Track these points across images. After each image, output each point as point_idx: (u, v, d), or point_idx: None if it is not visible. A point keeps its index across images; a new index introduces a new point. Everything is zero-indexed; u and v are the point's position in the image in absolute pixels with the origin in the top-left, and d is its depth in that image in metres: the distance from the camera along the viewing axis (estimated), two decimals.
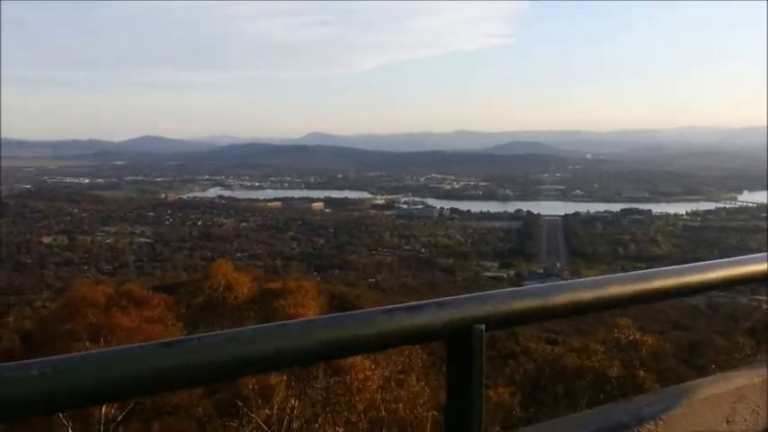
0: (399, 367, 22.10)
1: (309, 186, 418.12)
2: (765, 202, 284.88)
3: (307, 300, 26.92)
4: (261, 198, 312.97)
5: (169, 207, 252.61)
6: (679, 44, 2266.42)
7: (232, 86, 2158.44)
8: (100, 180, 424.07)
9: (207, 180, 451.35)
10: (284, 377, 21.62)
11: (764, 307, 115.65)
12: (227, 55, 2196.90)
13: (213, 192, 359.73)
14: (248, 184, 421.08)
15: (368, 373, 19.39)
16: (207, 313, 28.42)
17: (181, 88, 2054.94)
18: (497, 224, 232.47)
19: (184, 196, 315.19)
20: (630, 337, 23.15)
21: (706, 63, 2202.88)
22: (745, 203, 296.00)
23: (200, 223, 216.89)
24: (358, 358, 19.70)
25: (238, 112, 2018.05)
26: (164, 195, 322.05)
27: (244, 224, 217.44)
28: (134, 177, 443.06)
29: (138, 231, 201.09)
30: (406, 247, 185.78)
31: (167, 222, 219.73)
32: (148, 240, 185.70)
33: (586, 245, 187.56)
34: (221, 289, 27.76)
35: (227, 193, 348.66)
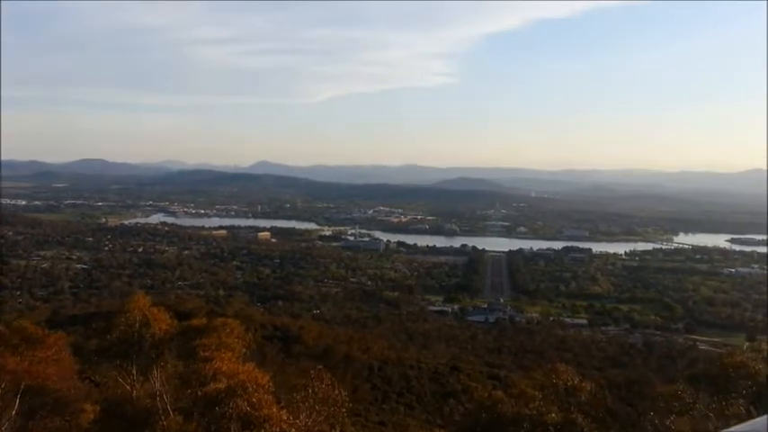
0: (322, 417, 20.86)
1: (256, 215, 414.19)
2: (699, 244, 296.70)
3: (231, 339, 25.27)
4: (206, 226, 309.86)
5: (109, 232, 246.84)
6: (618, 87, 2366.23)
7: (182, 111, 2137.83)
8: (37, 202, 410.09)
9: (150, 206, 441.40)
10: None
11: (700, 347, 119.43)
12: (177, 79, 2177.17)
13: (156, 218, 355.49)
14: (193, 211, 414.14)
15: (284, 426, 18.42)
16: (119, 351, 26.41)
17: (128, 110, 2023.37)
18: (443, 258, 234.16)
19: (126, 222, 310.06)
20: (569, 383, 22.83)
21: (645, 109, 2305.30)
22: (681, 245, 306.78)
23: (141, 250, 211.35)
24: (273, 409, 18.90)
25: (188, 137, 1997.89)
26: (104, 220, 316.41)
27: (187, 252, 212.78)
28: (74, 201, 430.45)
29: (75, 257, 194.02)
30: (351, 280, 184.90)
31: (107, 248, 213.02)
32: (86, 266, 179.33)
33: (529, 281, 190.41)
34: (137, 325, 26.04)
35: (170, 219, 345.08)
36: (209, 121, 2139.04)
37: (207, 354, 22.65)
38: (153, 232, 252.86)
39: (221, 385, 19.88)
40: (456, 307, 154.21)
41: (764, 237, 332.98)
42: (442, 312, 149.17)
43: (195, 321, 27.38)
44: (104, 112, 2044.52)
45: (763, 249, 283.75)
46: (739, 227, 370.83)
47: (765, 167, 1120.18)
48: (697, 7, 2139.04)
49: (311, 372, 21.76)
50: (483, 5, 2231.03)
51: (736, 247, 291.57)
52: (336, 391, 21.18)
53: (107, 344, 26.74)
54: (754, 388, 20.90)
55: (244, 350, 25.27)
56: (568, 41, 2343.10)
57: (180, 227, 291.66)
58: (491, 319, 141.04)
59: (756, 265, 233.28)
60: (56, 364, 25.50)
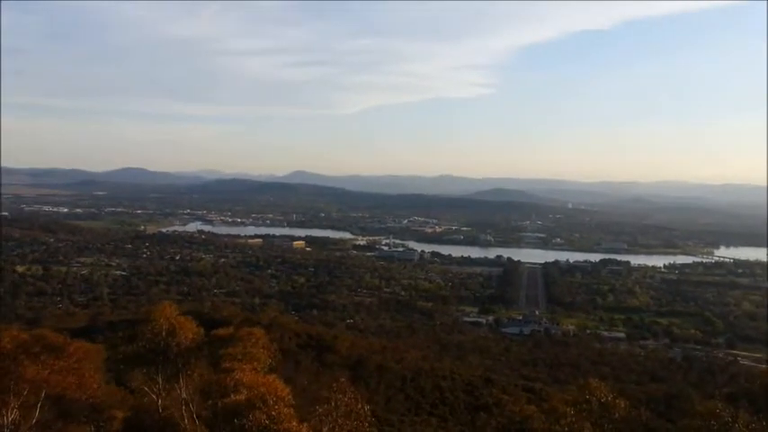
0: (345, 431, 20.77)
1: (291, 224, 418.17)
2: (741, 257, 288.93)
3: (256, 348, 25.18)
4: (242, 234, 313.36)
5: (147, 240, 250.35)
6: (659, 99, 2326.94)
7: (221, 121, 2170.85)
8: (78, 210, 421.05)
9: (188, 214, 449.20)
10: None
11: (741, 362, 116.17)
12: (217, 90, 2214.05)
13: (193, 226, 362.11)
14: (230, 219, 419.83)
15: None
16: (146, 359, 26.39)
17: (168, 120, 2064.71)
18: (478, 269, 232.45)
19: (164, 230, 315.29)
20: (602, 400, 22.07)
21: (686, 120, 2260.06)
22: (721, 258, 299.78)
23: (178, 257, 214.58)
24: (293, 423, 18.95)
25: (225, 147, 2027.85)
26: (143, 228, 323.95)
27: (223, 260, 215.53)
28: (114, 209, 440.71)
29: (114, 263, 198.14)
30: (385, 289, 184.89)
31: (145, 255, 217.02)
32: (124, 273, 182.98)
33: (565, 293, 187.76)
34: (164, 334, 25.75)
35: (207, 228, 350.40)
36: (246, 131, 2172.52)
37: (228, 365, 22.65)
38: (190, 240, 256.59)
39: (241, 397, 19.91)
40: (491, 318, 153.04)
41: None
42: (476, 323, 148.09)
43: (221, 331, 27.35)
44: (145, 122, 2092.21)
45: None
46: None
47: None
48: (746, 16, 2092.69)
49: (334, 385, 21.73)
50: (520, 17, 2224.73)
51: None
52: (360, 405, 21.09)
53: (133, 352, 26.79)
54: None
55: (270, 360, 25.26)
56: (607, 53, 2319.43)
57: (216, 235, 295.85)
58: (526, 331, 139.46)
59: None
60: (76, 372, 25.35)
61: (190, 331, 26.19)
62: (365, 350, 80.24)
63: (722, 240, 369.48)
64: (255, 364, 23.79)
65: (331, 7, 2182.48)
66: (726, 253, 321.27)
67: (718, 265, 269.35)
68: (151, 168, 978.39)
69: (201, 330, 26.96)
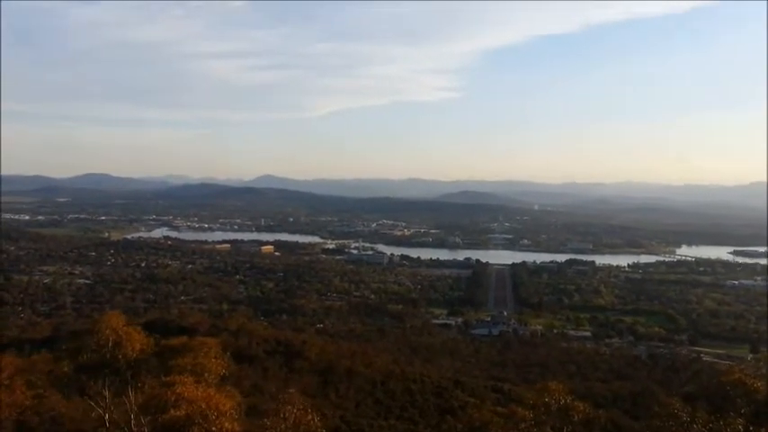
0: None
1: (260, 229, 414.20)
2: (702, 256, 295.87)
3: (208, 359, 24.44)
4: (209, 240, 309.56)
5: (112, 247, 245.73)
6: (621, 101, 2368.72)
7: (186, 125, 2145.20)
8: (40, 217, 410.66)
9: (153, 220, 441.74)
10: None
11: (704, 359, 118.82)
12: (182, 93, 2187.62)
13: (159, 232, 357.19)
14: (197, 225, 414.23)
15: None
16: (89, 373, 25.40)
17: (132, 125, 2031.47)
18: (447, 272, 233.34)
19: (129, 236, 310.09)
20: (561, 402, 22.29)
21: (649, 122, 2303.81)
22: (684, 257, 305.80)
23: (143, 264, 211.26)
24: None
25: (191, 151, 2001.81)
26: (107, 234, 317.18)
27: (190, 266, 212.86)
28: (77, 215, 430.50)
29: (77, 271, 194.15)
30: (355, 293, 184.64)
31: (109, 263, 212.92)
32: (88, 281, 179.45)
33: (533, 294, 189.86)
34: (110, 345, 25.16)
35: (173, 234, 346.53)
36: (212, 135, 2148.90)
37: (170, 378, 21.82)
38: (156, 246, 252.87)
39: (181, 413, 19.16)
40: (460, 320, 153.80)
41: (767, 249, 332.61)
42: (445, 326, 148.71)
43: (173, 341, 26.73)
44: (108, 127, 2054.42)
45: (765, 261, 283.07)
46: (742, 239, 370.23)
47: None
48: (701, 21, 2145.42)
49: (281, 396, 21.35)
50: (487, 21, 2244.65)
51: (740, 260, 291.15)
52: (309, 417, 20.78)
53: (78, 365, 25.80)
54: (752, 406, 20.82)
55: (223, 371, 24.73)
56: (572, 56, 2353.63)
57: (183, 241, 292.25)
58: (495, 332, 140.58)
59: (759, 277, 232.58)
60: (6, 389, 24.26)
61: (137, 342, 25.49)
62: (335, 355, 79.75)
63: (684, 239, 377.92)
64: (207, 375, 23.30)
65: (296, 11, 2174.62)
66: (688, 252, 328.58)
67: (681, 263, 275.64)
68: (115, 174, 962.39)
69: (151, 341, 26.31)
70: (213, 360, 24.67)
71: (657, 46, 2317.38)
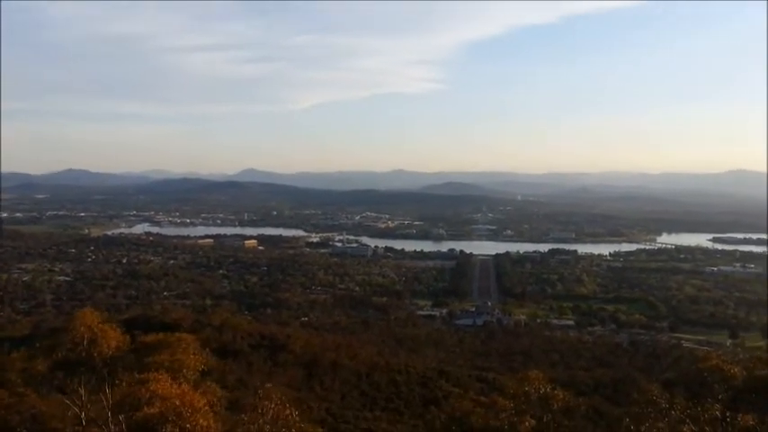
0: None
1: (243, 223, 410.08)
2: (682, 244, 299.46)
3: (186, 355, 24.23)
4: (191, 235, 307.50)
5: (92, 243, 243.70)
6: (602, 91, 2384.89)
7: (168, 120, 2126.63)
8: (18, 214, 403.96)
9: (134, 216, 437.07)
10: None
11: (684, 345, 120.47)
12: (163, 88, 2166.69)
13: (140, 228, 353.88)
14: (178, 220, 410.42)
15: None
16: (65, 371, 25.19)
17: (113, 120, 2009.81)
18: (431, 263, 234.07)
19: (109, 232, 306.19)
20: (541, 391, 22.56)
21: (629, 112, 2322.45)
22: (664, 245, 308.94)
23: (125, 261, 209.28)
24: None
25: (173, 146, 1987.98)
26: (87, 231, 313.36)
27: (172, 262, 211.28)
28: (56, 212, 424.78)
29: (57, 269, 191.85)
30: (340, 286, 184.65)
31: (89, 259, 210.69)
32: (68, 278, 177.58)
33: (516, 284, 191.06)
34: (85, 343, 24.55)
35: (155, 229, 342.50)
36: (195, 129, 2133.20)
37: (145, 375, 21.57)
38: (137, 242, 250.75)
39: (155, 410, 18.96)
40: (444, 311, 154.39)
41: (745, 236, 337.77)
42: (430, 317, 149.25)
43: (149, 338, 26.41)
44: (89, 123, 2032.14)
45: (744, 248, 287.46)
46: (721, 226, 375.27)
47: (747, 168, 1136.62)
48: (678, 13, 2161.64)
49: (260, 391, 21.23)
50: (469, 13, 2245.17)
51: (719, 246, 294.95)
52: (288, 411, 20.72)
53: (54, 363, 25.52)
54: (730, 392, 21.17)
55: (202, 366, 24.54)
56: (552, 47, 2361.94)
57: (165, 236, 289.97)
58: (479, 322, 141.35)
59: (738, 264, 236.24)
60: None
61: (113, 339, 25.19)
62: (319, 348, 79.84)
63: (664, 227, 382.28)
64: (185, 371, 23.10)
65: (277, 3, 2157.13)
66: (668, 240, 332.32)
67: (661, 251, 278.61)
68: (95, 170, 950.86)
69: (127, 338, 26.01)
70: (191, 356, 24.40)
71: (637, 36, 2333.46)
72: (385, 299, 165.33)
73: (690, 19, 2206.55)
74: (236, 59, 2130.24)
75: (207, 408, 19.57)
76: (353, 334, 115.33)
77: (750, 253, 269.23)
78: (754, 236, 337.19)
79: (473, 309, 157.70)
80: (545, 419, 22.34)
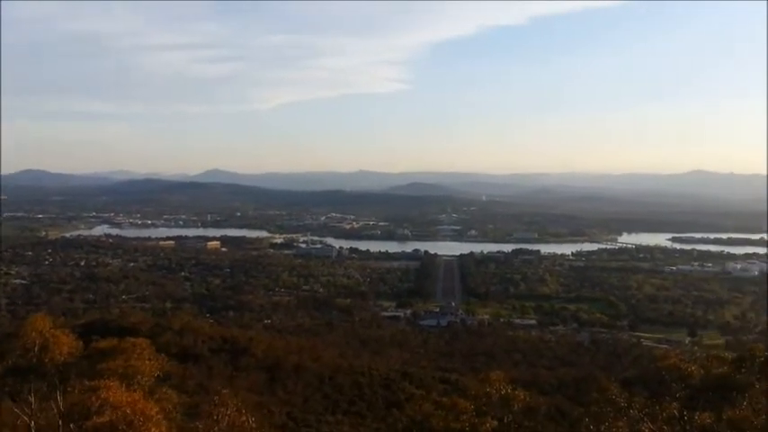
0: None
1: (206, 224, 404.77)
2: (642, 243, 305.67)
3: (140, 361, 23.65)
4: (153, 236, 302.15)
5: (50, 245, 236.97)
6: (565, 92, 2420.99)
7: (130, 119, 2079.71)
8: None
9: (94, 217, 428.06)
10: None
11: (644, 343, 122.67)
12: (126, 87, 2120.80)
13: (100, 230, 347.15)
14: (139, 222, 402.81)
15: None
16: (17, 377, 24.39)
17: (74, 119, 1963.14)
18: (395, 264, 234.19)
19: (67, 234, 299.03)
20: (502, 392, 22.54)
21: (591, 113, 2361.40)
22: (625, 244, 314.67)
23: (83, 263, 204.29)
24: None
25: (136, 146, 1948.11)
26: (44, 233, 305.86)
27: (132, 264, 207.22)
28: (12, 213, 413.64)
29: (13, 272, 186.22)
30: (304, 287, 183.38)
31: (47, 262, 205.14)
32: (24, 281, 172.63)
33: (480, 284, 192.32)
34: (36, 349, 23.90)
35: (115, 231, 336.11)
36: (158, 129, 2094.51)
37: (95, 383, 20.89)
38: (96, 244, 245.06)
39: (105, 419, 18.50)
40: (408, 312, 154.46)
41: (703, 235, 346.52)
42: (394, 318, 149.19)
43: (102, 343, 25.61)
44: (48, 121, 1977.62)
45: (702, 247, 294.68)
46: (680, 226, 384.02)
47: (706, 168, 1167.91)
48: (640, 11, 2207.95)
49: (216, 398, 20.71)
50: (435, 13, 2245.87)
51: (677, 246, 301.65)
52: (243, 418, 20.23)
53: (3, 370, 24.63)
54: (687, 390, 21.30)
55: (157, 372, 23.87)
56: (518, 49, 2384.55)
57: (125, 238, 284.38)
58: (443, 322, 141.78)
59: (696, 263, 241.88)
60: None
61: (65, 345, 24.37)
62: (282, 351, 79.04)
63: (625, 227, 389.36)
64: (140, 377, 22.41)
65: (244, 3, 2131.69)
66: (628, 239, 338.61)
67: (622, 250, 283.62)
68: (55, 170, 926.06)
69: (80, 343, 25.20)
70: (146, 362, 23.67)
71: (596, 40, 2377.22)
72: (349, 300, 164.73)
73: (650, 21, 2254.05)
74: (202, 59, 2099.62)
75: (159, 416, 18.96)
76: (317, 336, 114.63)
77: (708, 252, 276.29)
78: (712, 235, 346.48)
79: (437, 309, 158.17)
80: (506, 420, 22.20)
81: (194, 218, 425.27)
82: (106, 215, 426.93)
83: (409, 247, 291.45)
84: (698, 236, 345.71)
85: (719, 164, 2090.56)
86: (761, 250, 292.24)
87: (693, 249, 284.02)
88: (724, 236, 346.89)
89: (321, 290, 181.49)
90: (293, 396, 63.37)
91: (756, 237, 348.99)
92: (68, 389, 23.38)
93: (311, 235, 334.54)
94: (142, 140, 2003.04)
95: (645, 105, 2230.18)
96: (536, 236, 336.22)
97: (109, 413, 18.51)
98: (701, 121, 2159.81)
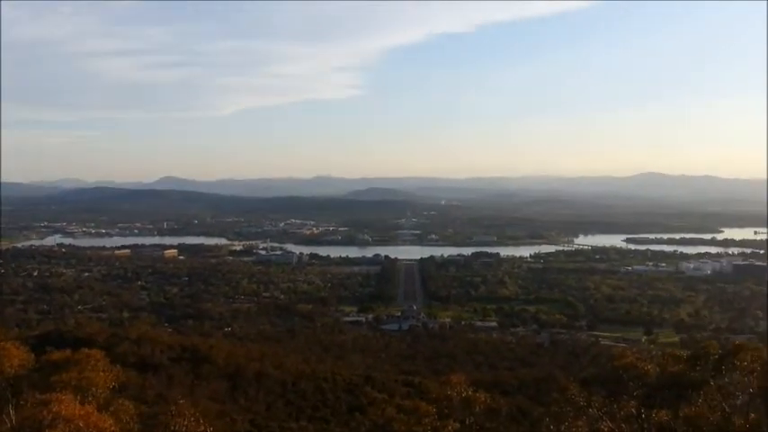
0: None
1: (162, 233, 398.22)
2: (598, 244, 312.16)
3: (95, 373, 23.09)
4: (107, 246, 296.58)
5: (1, 256, 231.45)
6: (517, 98, 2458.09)
7: (80, 127, 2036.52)
8: None
9: (45, 227, 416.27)
10: None
11: (602, 343, 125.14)
12: (75, 93, 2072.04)
13: (52, 240, 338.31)
14: (93, 231, 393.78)
15: None
16: None
17: (20, 127, 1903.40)
18: (356, 269, 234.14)
19: (19, 245, 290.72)
20: (463, 394, 22.89)
21: (544, 118, 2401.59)
22: (581, 246, 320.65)
23: (36, 274, 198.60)
24: None
25: (87, 154, 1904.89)
26: None
27: (87, 274, 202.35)
28: None
29: None
30: (264, 294, 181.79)
31: None
32: None
33: (441, 287, 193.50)
34: None
35: (68, 240, 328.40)
36: (109, 136, 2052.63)
37: (47, 396, 20.37)
38: (49, 255, 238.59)
39: None
40: (370, 316, 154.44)
41: (656, 236, 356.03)
42: (356, 323, 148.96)
43: (55, 355, 24.98)
44: None
45: (655, 247, 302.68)
46: (634, 227, 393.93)
47: (655, 170, 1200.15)
48: (593, 18, 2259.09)
49: (172, 408, 20.40)
50: (387, 20, 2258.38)
51: (632, 247, 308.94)
52: (202, 427, 19.98)
53: None
54: (644, 389, 21.86)
55: (113, 384, 23.39)
56: (469, 55, 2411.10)
57: (78, 248, 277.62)
58: (405, 326, 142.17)
59: (651, 263, 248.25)
60: None
61: (15, 357, 23.70)
62: (243, 358, 77.97)
63: (581, 229, 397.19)
64: (94, 389, 21.87)
65: (191, 8, 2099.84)
66: (585, 241, 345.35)
67: (579, 252, 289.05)
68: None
69: (32, 356, 24.51)
70: (101, 373, 23.10)
71: (549, 47, 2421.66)
72: (311, 306, 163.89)
73: (603, 27, 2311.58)
74: (152, 65, 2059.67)
75: (113, 429, 18.54)
76: (279, 343, 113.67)
77: (662, 252, 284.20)
78: (665, 236, 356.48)
79: (399, 313, 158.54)
80: (468, 422, 22.42)
81: (150, 226, 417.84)
82: (58, 225, 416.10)
83: (370, 251, 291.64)
84: (651, 236, 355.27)
85: (670, 166, 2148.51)
86: (713, 250, 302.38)
87: (648, 250, 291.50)
88: (677, 236, 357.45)
89: (282, 296, 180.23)
90: (255, 403, 62.60)
91: (708, 236, 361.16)
92: (20, 402, 22.69)
93: (271, 241, 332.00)
94: (91, 148, 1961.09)
95: (599, 110, 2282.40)
96: (495, 239, 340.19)
97: (62, 427, 17.94)
98: (651, 125, 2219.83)
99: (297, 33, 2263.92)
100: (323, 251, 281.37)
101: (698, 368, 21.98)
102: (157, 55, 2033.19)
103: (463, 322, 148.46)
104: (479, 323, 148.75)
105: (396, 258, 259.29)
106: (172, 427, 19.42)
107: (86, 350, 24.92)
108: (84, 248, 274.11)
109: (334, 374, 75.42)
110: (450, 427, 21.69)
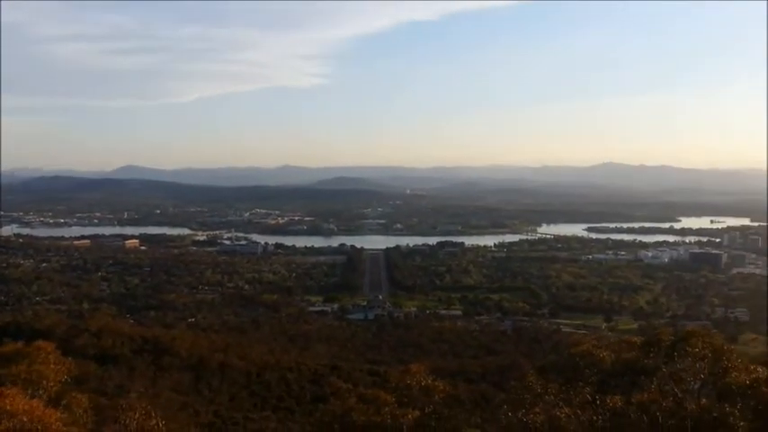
0: None
1: (122, 222, 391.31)
2: (560, 233, 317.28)
3: (45, 366, 22.60)
4: (66, 236, 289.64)
5: None
6: (481, 87, 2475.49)
7: (37, 114, 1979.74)
8: None
9: (2, 217, 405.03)
10: None
11: (564, 330, 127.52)
12: (31, 80, 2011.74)
13: (9, 230, 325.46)
14: (51, 221, 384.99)
15: None
16: None
17: None
18: (322, 258, 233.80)
19: None
20: (423, 383, 23.65)
21: (506, 107, 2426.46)
22: (543, 235, 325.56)
23: None
24: None
25: (44, 142, 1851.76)
26: None
27: (45, 265, 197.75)
28: None
29: None
30: (228, 285, 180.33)
31: None
32: None
33: (407, 277, 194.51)
34: None
35: (25, 230, 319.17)
36: (68, 123, 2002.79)
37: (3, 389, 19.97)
38: (5, 245, 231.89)
39: (1, 428, 17.73)
40: (336, 306, 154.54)
41: (616, 225, 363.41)
42: (322, 312, 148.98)
43: (5, 348, 24.47)
44: None
45: (615, 236, 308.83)
46: (594, 216, 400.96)
47: (615, 161, 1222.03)
48: (544, 7, 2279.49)
49: (122, 402, 20.20)
50: (352, 8, 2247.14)
51: (593, 235, 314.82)
52: (154, 421, 19.86)
53: None
54: (599, 375, 22.46)
55: (64, 377, 23.02)
56: (434, 44, 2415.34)
57: (36, 238, 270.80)
58: (370, 316, 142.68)
59: (611, 252, 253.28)
60: None
61: None
62: (207, 349, 77.53)
63: (544, 218, 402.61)
64: (45, 383, 21.51)
65: None
66: (547, 230, 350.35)
67: (541, 241, 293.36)
68: None
69: None
70: (52, 366, 22.70)
71: (515, 36, 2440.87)
72: (276, 296, 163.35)
73: (566, 18, 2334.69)
74: (113, 51, 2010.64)
75: (59, 424, 18.25)
76: (243, 333, 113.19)
77: (621, 241, 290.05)
78: (625, 225, 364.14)
79: (364, 303, 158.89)
80: (427, 410, 22.74)
81: (110, 216, 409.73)
82: (15, 214, 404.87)
83: (335, 241, 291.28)
84: (612, 225, 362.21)
85: (630, 156, 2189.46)
86: (670, 238, 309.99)
87: (608, 238, 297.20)
88: (636, 225, 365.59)
89: (247, 287, 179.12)
90: (219, 395, 62.37)
91: (666, 225, 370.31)
92: None
93: (235, 231, 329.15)
94: (49, 136, 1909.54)
95: (562, 100, 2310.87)
96: (460, 228, 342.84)
97: (5, 422, 17.61)
98: (611, 115, 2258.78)
99: (262, 21, 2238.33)
100: (288, 241, 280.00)
101: (651, 355, 22.60)
102: (118, 41, 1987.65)
103: (428, 311, 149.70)
104: (444, 312, 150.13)
105: (361, 248, 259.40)
106: (122, 422, 19.22)
107: (38, 343, 24.47)
108: (42, 238, 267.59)
109: (299, 364, 75.56)
110: (409, 416, 21.96)
